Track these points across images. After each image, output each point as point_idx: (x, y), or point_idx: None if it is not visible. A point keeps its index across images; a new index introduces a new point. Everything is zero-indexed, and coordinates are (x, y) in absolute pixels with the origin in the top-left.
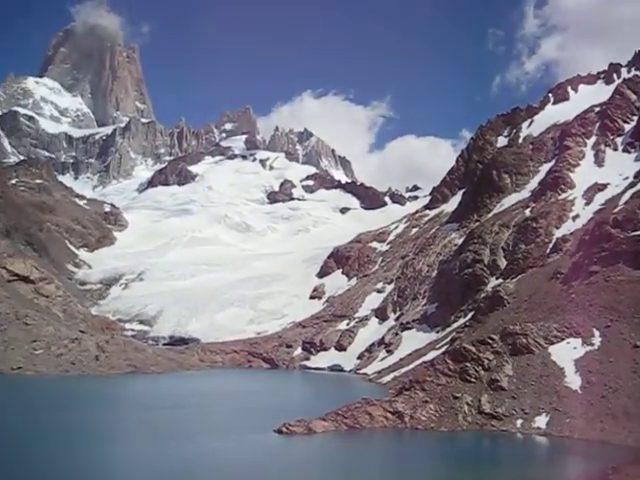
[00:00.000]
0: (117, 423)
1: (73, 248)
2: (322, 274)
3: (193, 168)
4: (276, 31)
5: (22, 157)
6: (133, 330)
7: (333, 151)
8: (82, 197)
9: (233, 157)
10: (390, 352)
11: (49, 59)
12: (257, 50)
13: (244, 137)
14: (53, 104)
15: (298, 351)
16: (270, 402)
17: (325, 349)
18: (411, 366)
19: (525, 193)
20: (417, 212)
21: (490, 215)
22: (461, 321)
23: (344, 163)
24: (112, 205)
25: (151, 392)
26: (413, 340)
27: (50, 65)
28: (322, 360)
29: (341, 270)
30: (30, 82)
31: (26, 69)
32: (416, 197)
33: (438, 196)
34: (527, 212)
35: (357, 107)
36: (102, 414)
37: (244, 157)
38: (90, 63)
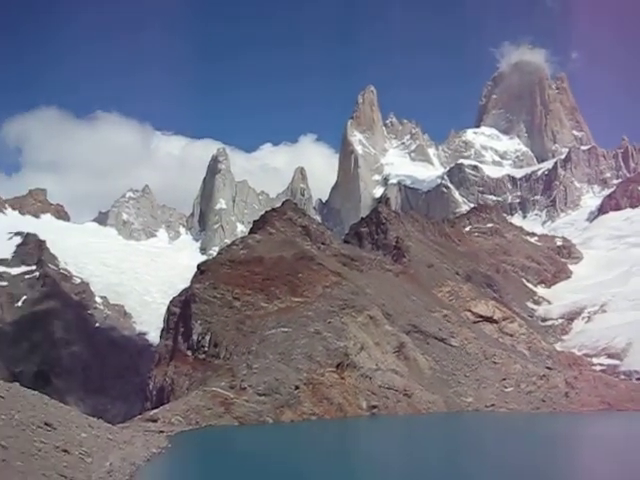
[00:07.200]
0: (598, 465)
1: (530, 285)
2: None
3: None
4: None
5: (471, 205)
6: (601, 364)
7: None
8: (533, 234)
9: None
10: None
11: (482, 108)
12: None
13: None
14: (493, 150)
15: None
16: None
17: None
18: None
19: None
20: None
21: None
22: None
23: None
24: (564, 238)
25: (626, 432)
26: None
27: (484, 114)
28: None
29: None
30: (469, 134)
31: (463, 123)
32: None
33: None
34: None
35: None
36: (578, 454)
37: None
38: (521, 103)
